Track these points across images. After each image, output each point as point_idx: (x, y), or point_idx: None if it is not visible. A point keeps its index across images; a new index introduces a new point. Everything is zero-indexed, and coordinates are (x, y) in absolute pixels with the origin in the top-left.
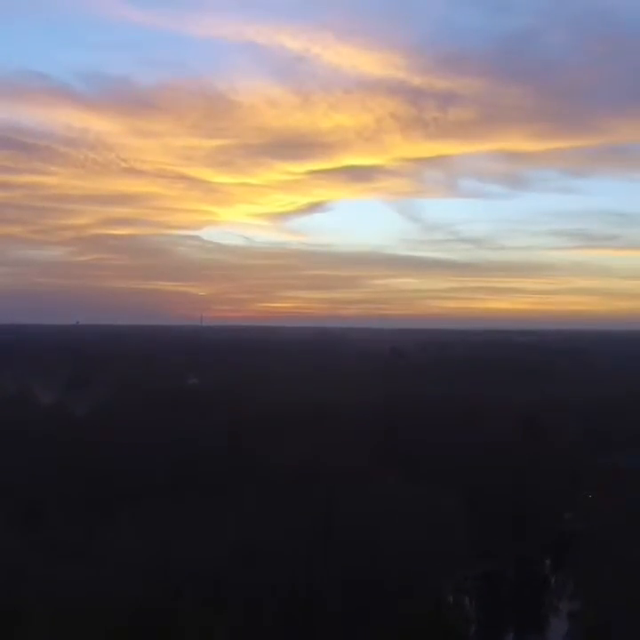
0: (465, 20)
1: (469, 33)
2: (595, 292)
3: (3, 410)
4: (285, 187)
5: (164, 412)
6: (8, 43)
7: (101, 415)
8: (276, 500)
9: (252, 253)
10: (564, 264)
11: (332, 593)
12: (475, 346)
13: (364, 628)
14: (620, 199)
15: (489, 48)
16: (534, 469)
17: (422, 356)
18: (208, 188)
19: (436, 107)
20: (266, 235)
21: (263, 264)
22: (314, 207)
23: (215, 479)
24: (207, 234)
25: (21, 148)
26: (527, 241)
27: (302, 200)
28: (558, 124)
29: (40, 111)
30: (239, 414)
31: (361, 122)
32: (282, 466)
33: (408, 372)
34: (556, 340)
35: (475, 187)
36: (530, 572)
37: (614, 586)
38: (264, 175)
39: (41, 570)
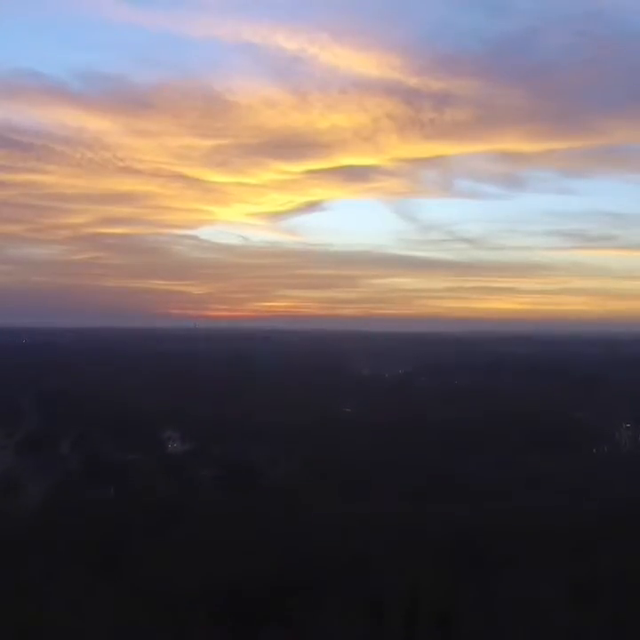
0: (461, 20)
1: (465, 34)
2: (592, 293)
3: None
4: (282, 186)
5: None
6: (5, 42)
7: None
8: None
9: (249, 253)
10: (560, 264)
11: None
12: (480, 368)
13: None
14: (616, 200)
15: (485, 49)
16: None
17: (424, 386)
18: (205, 187)
19: (433, 107)
20: (263, 234)
21: (260, 263)
22: (311, 207)
23: None
24: (204, 233)
25: (18, 146)
26: (524, 241)
27: (299, 200)
28: (554, 125)
29: (37, 110)
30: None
31: (357, 122)
32: None
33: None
34: (560, 351)
35: (471, 187)
36: None
37: None
38: (261, 175)
39: None
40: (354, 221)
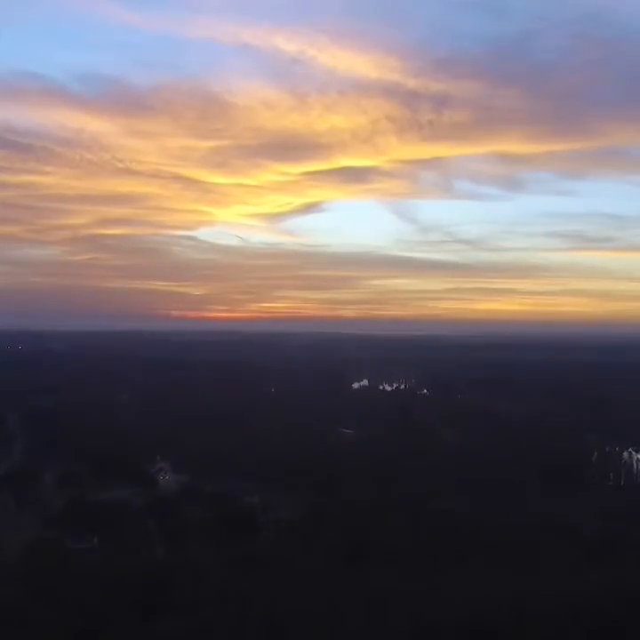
0: (460, 23)
1: (464, 36)
2: (591, 294)
3: None
4: (281, 187)
5: None
6: (4, 43)
7: None
8: None
9: (248, 254)
10: (559, 265)
11: None
12: (482, 379)
13: None
14: (615, 201)
15: (484, 51)
16: None
17: (426, 403)
18: (204, 188)
19: (431, 109)
20: (261, 235)
21: (259, 264)
22: (309, 208)
23: None
24: (203, 234)
25: (17, 148)
26: (523, 242)
27: (298, 201)
28: (553, 127)
29: (36, 111)
30: None
31: (356, 123)
32: None
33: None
34: (562, 359)
35: (470, 188)
36: None
37: None
38: (260, 176)
39: None
40: (353, 223)
